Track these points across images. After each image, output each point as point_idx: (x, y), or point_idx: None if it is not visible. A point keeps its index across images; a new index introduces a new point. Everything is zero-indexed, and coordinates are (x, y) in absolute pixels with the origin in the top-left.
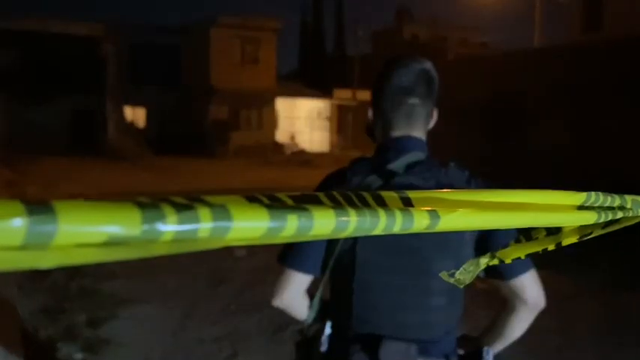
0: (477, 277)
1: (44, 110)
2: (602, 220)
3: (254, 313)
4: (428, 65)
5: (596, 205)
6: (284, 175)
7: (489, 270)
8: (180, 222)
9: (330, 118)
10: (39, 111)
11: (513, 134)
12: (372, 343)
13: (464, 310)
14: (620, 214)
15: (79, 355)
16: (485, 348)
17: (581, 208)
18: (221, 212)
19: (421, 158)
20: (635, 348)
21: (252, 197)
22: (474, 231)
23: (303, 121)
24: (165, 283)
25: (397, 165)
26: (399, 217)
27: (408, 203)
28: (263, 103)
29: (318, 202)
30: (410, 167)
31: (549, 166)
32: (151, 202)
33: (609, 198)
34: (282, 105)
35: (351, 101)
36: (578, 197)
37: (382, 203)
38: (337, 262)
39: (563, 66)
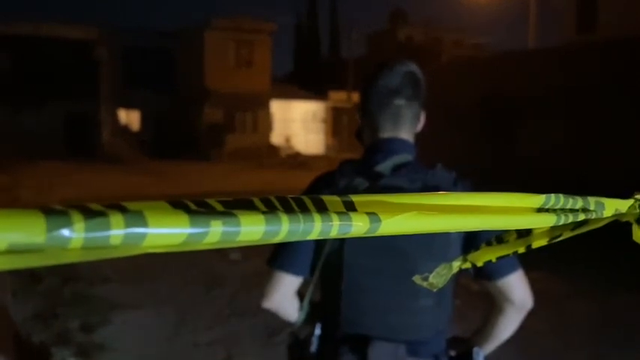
0: (470, 278)
1: (38, 114)
2: (561, 222)
3: (248, 317)
4: (413, 67)
5: (557, 207)
6: (279, 178)
7: (477, 271)
8: (89, 229)
9: (325, 121)
10: (33, 115)
11: (508, 136)
12: (361, 344)
13: (456, 312)
14: (582, 216)
15: None
16: (475, 349)
17: (540, 210)
18: (135, 219)
19: (408, 160)
20: (630, 348)
21: (178, 203)
22: (459, 232)
23: (298, 124)
24: (159, 287)
25: (384, 167)
26: (335, 221)
27: (350, 207)
28: (258, 106)
29: (249, 208)
30: (397, 169)
31: (544, 168)
32: (59, 209)
33: (571, 200)
34: (277, 107)
35: (346, 103)
36: (537, 199)
37: (322, 208)
38: (325, 264)
39: (557, 67)
